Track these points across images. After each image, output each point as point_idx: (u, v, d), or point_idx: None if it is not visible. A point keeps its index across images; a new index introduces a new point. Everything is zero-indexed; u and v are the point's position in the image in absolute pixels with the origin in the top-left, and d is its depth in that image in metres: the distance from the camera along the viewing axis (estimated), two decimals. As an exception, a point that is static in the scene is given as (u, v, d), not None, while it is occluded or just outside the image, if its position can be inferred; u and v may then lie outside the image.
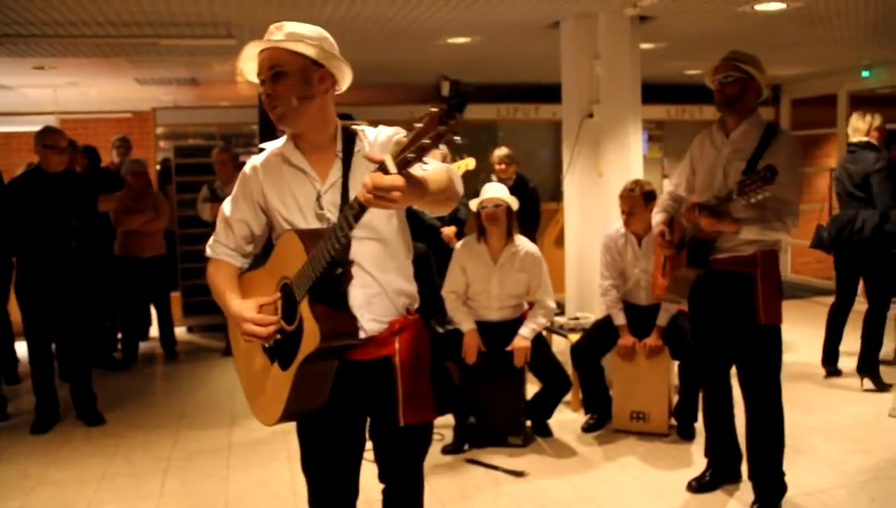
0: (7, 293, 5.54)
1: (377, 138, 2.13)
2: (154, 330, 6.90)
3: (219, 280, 2.22)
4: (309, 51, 2.02)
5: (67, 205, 4.68)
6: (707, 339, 3.53)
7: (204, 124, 8.65)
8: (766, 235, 3.20)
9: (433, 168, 1.95)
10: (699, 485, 3.65)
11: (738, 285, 3.28)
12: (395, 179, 1.68)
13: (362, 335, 2.08)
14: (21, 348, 5.38)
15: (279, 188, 2.13)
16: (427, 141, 1.65)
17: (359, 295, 2.08)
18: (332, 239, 1.88)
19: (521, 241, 4.36)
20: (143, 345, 6.76)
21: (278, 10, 4.80)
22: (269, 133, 7.47)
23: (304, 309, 1.98)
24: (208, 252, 2.26)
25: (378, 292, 2.12)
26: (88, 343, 5.02)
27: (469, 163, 4.94)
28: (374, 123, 2.22)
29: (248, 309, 2.07)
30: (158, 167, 8.47)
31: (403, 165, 1.69)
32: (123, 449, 4.43)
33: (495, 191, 4.31)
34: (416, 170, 1.78)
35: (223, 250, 2.23)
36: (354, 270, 2.07)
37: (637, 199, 4.33)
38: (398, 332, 2.15)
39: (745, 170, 3.17)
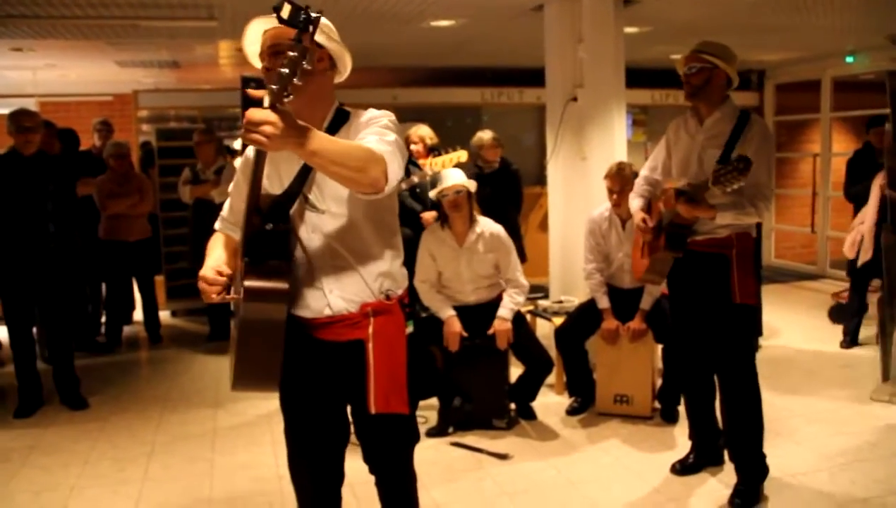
0: None
1: (365, 119, 2.15)
2: (138, 314, 6.86)
3: (210, 245, 2.33)
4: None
5: (44, 188, 4.62)
6: (686, 320, 3.57)
7: (186, 107, 8.56)
8: (740, 220, 3.28)
9: (351, 142, 1.95)
10: (683, 467, 3.69)
11: (713, 265, 3.35)
12: (267, 114, 1.69)
13: (327, 312, 2.14)
14: (2, 332, 5.33)
15: (270, 165, 2.15)
16: (287, 63, 1.70)
17: (329, 270, 2.13)
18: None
19: (484, 222, 4.36)
20: (127, 329, 6.72)
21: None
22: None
23: (240, 269, 2.04)
24: (217, 226, 2.43)
25: (349, 271, 2.14)
26: (70, 327, 4.97)
27: (461, 155, 4.91)
28: (361, 107, 2.24)
29: (206, 268, 2.15)
30: (140, 151, 8.38)
31: (278, 95, 1.71)
32: (107, 433, 4.41)
33: (454, 178, 4.29)
34: (323, 136, 1.82)
35: (226, 225, 2.41)
36: (325, 246, 2.11)
37: (627, 178, 4.34)
38: (372, 315, 2.16)
39: (721, 158, 3.22)
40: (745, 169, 2.92)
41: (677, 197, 3.24)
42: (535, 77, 6.36)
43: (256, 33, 2.10)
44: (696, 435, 3.73)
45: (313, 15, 1.75)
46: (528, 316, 4.71)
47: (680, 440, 4.03)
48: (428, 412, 4.43)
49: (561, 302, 5.25)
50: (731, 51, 3.32)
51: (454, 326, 4.23)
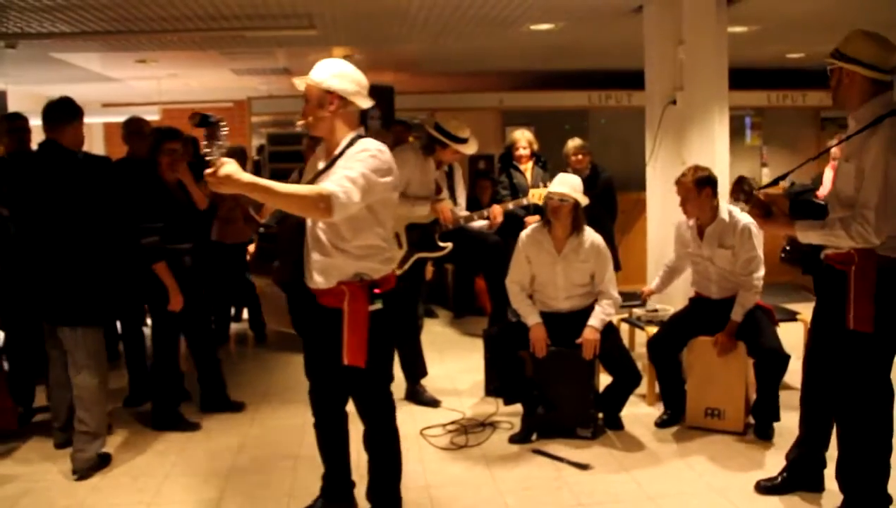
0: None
1: (353, 151, 2.85)
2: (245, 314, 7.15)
3: None
4: (324, 84, 2.84)
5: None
6: (818, 337, 3.29)
7: (295, 113, 8.81)
8: (827, 240, 2.96)
9: (295, 190, 2.67)
10: (769, 487, 3.50)
11: (832, 283, 3.06)
12: (221, 177, 2.49)
13: (312, 285, 2.97)
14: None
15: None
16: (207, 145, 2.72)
17: (317, 257, 2.94)
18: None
19: (588, 233, 4.30)
20: (235, 327, 7.01)
21: (357, 0, 4.88)
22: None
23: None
24: None
25: (327, 259, 2.90)
26: (210, 331, 5.09)
27: (543, 192, 4.86)
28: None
29: None
30: (256, 155, 8.75)
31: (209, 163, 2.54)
32: (205, 425, 4.62)
33: (563, 184, 4.24)
34: (259, 179, 2.59)
35: None
36: (316, 236, 2.91)
37: (689, 186, 4.20)
38: (347, 292, 2.89)
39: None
40: (746, 199, 2.83)
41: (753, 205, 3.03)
42: (643, 80, 6.22)
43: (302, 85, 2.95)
44: (800, 455, 3.43)
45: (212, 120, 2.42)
46: (622, 325, 4.62)
47: (771, 459, 3.83)
48: (513, 418, 4.42)
49: (656, 310, 5.11)
50: (870, 45, 2.92)
51: (540, 333, 4.21)
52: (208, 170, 2.48)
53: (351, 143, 2.87)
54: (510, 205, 5.07)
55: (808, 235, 2.97)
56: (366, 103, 2.94)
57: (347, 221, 2.83)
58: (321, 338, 3.03)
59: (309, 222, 2.97)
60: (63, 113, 3.88)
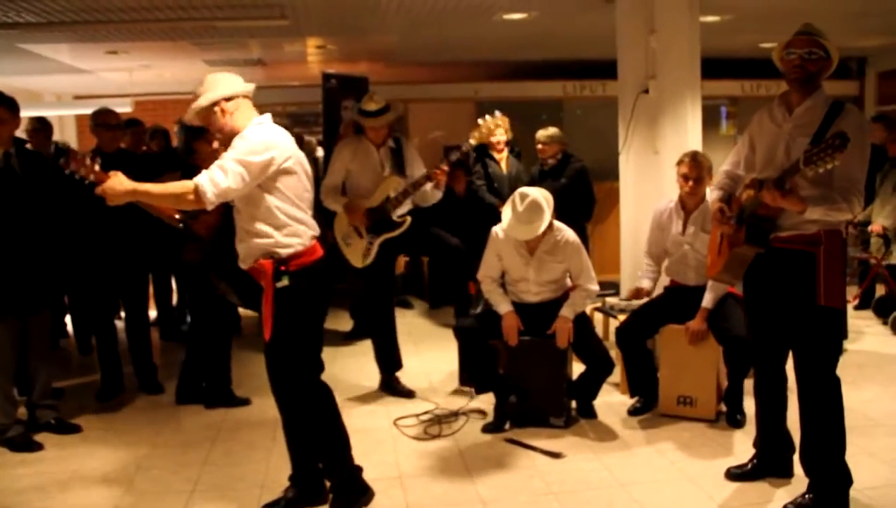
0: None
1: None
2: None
3: None
4: (204, 103, 3.07)
5: None
6: (762, 322, 3.37)
7: (271, 104, 8.77)
8: (831, 216, 3.02)
9: (165, 188, 2.98)
10: (740, 473, 3.53)
11: (798, 264, 3.12)
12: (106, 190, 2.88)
13: (243, 267, 3.19)
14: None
15: None
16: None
17: (237, 242, 3.18)
18: None
19: (561, 230, 4.26)
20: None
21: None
22: (332, 112, 7.56)
23: None
24: None
25: (242, 243, 3.15)
26: (147, 318, 5.20)
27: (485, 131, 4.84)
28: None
29: None
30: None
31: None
32: (177, 418, 4.60)
33: (527, 229, 4.06)
34: (138, 184, 2.91)
35: None
36: (237, 225, 3.16)
37: (704, 166, 4.20)
38: (262, 270, 3.09)
39: (812, 143, 2.96)
40: (842, 145, 2.68)
41: (761, 185, 3.04)
42: (616, 69, 6.22)
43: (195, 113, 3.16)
44: (763, 443, 3.54)
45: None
46: (588, 312, 4.62)
47: (741, 446, 3.86)
48: (486, 406, 4.43)
49: (629, 299, 5.13)
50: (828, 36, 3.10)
51: (512, 320, 4.21)
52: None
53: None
54: (453, 158, 4.86)
55: (814, 211, 2.98)
56: (244, 87, 3.13)
57: (246, 205, 3.06)
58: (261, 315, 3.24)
59: (234, 211, 3.19)
60: None
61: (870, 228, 5.53)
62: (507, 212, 4.15)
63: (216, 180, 2.91)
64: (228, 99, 3.08)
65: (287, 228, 3.09)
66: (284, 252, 3.08)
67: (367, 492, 3.38)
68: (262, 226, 3.06)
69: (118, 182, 2.84)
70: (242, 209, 3.09)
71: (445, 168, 4.58)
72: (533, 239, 4.15)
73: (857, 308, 6.71)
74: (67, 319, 6.42)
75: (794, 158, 2.99)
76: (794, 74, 3.09)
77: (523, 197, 4.07)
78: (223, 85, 3.09)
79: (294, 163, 3.09)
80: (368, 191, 4.67)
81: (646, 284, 4.64)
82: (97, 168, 2.93)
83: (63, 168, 2.92)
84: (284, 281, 3.05)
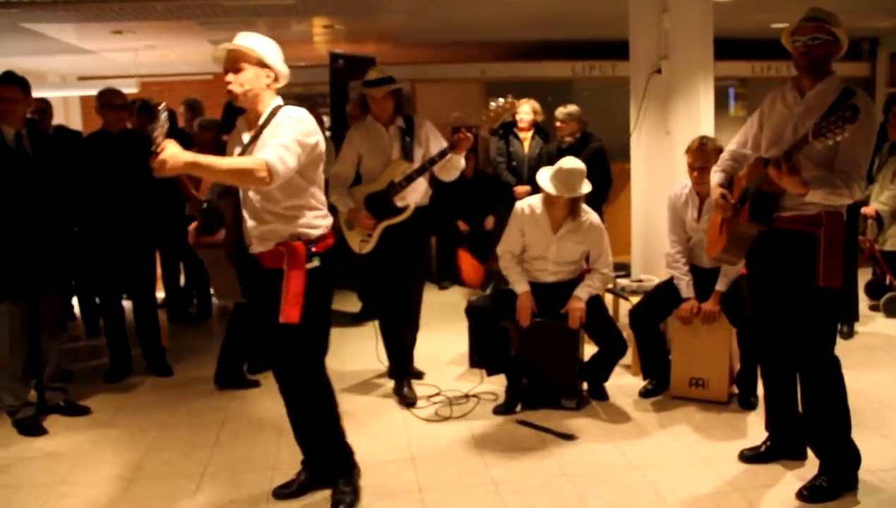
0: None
1: (277, 120, 2.96)
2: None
3: None
4: (266, 59, 2.98)
5: (131, 165, 4.70)
6: (765, 302, 3.37)
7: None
8: (830, 200, 3.02)
9: (232, 164, 2.85)
10: (753, 455, 3.52)
11: (798, 245, 3.12)
12: (161, 160, 2.61)
13: (253, 251, 3.08)
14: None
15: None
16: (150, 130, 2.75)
17: (253, 224, 3.06)
18: None
19: (587, 212, 4.25)
20: (217, 302, 6.94)
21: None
22: (339, 93, 7.49)
23: None
24: None
25: (263, 225, 3.02)
26: (154, 299, 5.16)
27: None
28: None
29: None
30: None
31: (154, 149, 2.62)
32: (186, 400, 4.59)
33: (562, 185, 4.09)
34: (199, 156, 2.71)
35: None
36: (250, 205, 3.04)
37: (710, 154, 4.14)
38: (286, 252, 2.99)
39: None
40: (853, 117, 2.68)
41: (765, 164, 3.03)
42: (627, 50, 6.14)
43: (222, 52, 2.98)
44: (774, 425, 3.53)
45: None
46: (606, 295, 4.59)
47: (754, 428, 3.85)
48: (498, 388, 4.41)
49: (641, 281, 5.10)
50: (839, 18, 3.09)
51: (527, 301, 4.19)
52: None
53: (273, 112, 3.00)
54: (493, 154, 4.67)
55: (815, 194, 2.97)
56: (286, 80, 3.08)
57: (281, 186, 2.96)
58: (266, 302, 3.08)
59: (241, 192, 3.10)
60: None
61: (863, 210, 5.46)
62: (546, 171, 4.18)
63: (285, 159, 2.83)
64: (279, 77, 3.05)
65: (318, 210, 3.11)
66: (315, 233, 3.07)
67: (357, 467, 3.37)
68: (295, 208, 3.02)
69: (179, 151, 2.63)
70: (275, 190, 2.97)
71: (469, 134, 4.39)
72: (560, 212, 4.17)
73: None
74: (74, 301, 6.41)
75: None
76: (801, 61, 3.10)
77: (570, 161, 4.13)
78: (282, 60, 3.05)
79: (324, 148, 3.11)
80: (378, 175, 4.58)
81: (690, 292, 4.27)
82: (162, 139, 2.66)
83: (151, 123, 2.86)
84: (315, 263, 3.03)
